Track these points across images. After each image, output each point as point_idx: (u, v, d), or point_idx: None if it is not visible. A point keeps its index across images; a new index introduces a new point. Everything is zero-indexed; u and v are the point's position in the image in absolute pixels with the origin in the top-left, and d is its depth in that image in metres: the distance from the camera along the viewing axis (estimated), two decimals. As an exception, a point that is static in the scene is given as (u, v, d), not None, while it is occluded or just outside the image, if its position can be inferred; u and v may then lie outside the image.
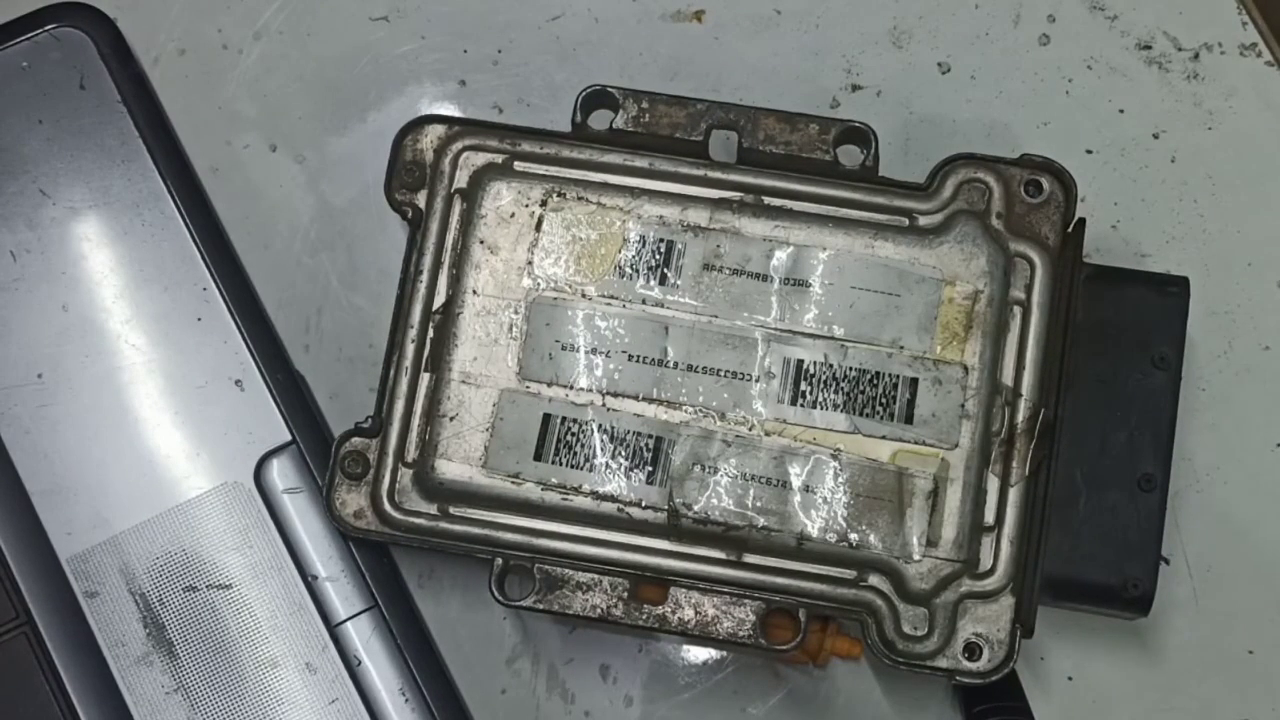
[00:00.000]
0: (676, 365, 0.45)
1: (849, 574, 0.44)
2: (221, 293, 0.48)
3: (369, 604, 0.46)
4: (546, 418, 0.45)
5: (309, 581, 0.46)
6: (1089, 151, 0.51)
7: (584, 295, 0.45)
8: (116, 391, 0.47)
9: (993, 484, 0.44)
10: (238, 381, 0.47)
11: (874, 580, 0.44)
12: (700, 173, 0.46)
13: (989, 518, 0.44)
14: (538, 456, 0.44)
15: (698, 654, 0.48)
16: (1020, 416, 0.44)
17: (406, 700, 0.45)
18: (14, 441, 0.47)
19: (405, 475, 0.45)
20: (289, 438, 0.47)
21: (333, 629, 0.46)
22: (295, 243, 0.51)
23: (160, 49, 0.52)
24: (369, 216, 0.51)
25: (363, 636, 0.46)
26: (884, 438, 0.44)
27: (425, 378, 0.45)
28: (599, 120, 0.46)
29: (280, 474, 0.47)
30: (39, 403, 0.47)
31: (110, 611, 0.46)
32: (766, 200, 0.46)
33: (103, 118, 0.49)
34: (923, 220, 0.45)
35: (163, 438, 0.47)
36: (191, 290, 0.48)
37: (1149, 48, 0.52)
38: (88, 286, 0.48)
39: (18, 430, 0.47)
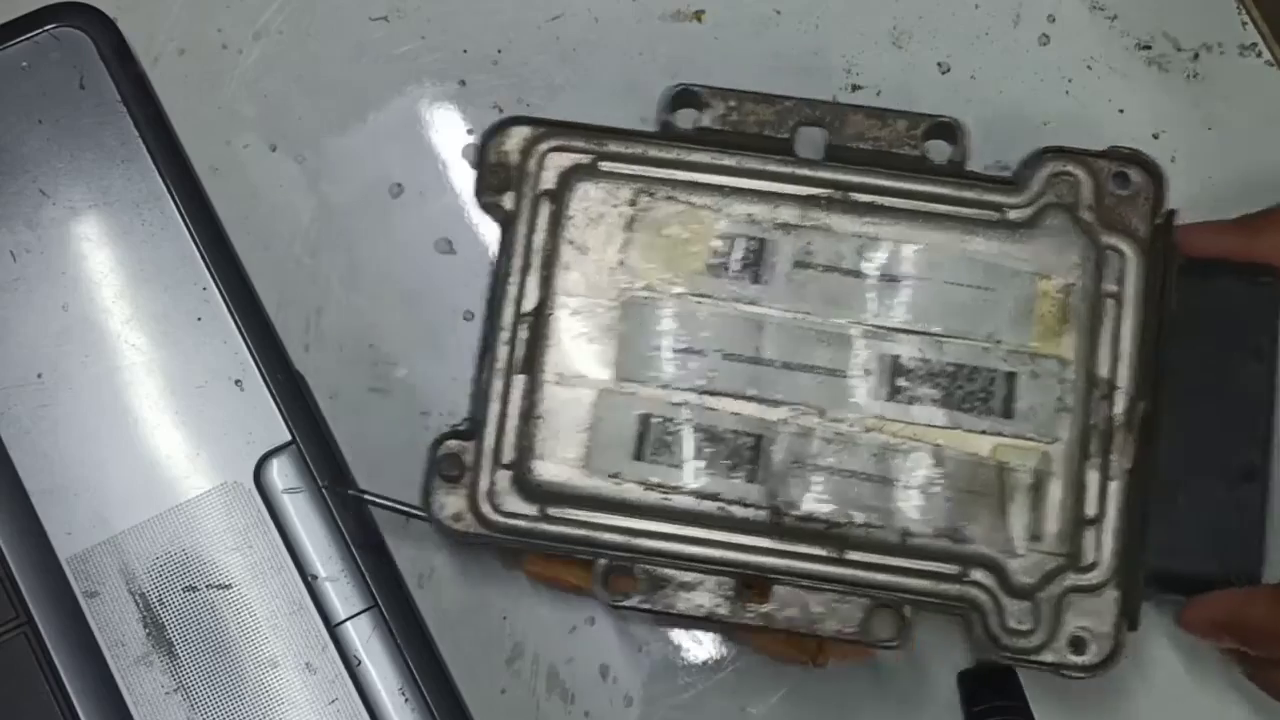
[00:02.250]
0: (772, 363, 0.45)
1: (952, 569, 0.44)
2: (221, 293, 0.48)
3: (369, 604, 0.46)
4: (644, 418, 0.44)
5: (309, 581, 0.46)
6: (1089, 151, 0.51)
7: (676, 294, 0.45)
8: (116, 391, 0.47)
9: (1093, 477, 0.44)
10: (238, 381, 0.47)
11: (978, 575, 0.43)
12: (788, 170, 0.46)
13: (1090, 511, 0.44)
14: (637, 456, 0.44)
15: (698, 654, 0.48)
16: (1118, 409, 0.44)
17: (406, 700, 0.45)
18: (14, 441, 0.47)
19: (503, 477, 0.45)
20: (289, 438, 0.47)
21: (332, 629, 0.46)
22: (295, 243, 0.51)
23: (160, 49, 0.52)
24: (369, 216, 0.51)
25: (363, 636, 0.46)
26: (983, 432, 0.44)
27: (519, 379, 0.45)
28: (683, 119, 0.46)
29: (280, 474, 0.47)
30: (39, 403, 0.47)
31: (110, 611, 0.46)
32: (855, 197, 0.46)
33: (103, 118, 0.49)
34: (1012, 214, 0.45)
35: (163, 438, 0.47)
36: (191, 290, 0.48)
37: (1149, 48, 0.52)
38: (88, 286, 0.48)
39: (18, 430, 0.47)
